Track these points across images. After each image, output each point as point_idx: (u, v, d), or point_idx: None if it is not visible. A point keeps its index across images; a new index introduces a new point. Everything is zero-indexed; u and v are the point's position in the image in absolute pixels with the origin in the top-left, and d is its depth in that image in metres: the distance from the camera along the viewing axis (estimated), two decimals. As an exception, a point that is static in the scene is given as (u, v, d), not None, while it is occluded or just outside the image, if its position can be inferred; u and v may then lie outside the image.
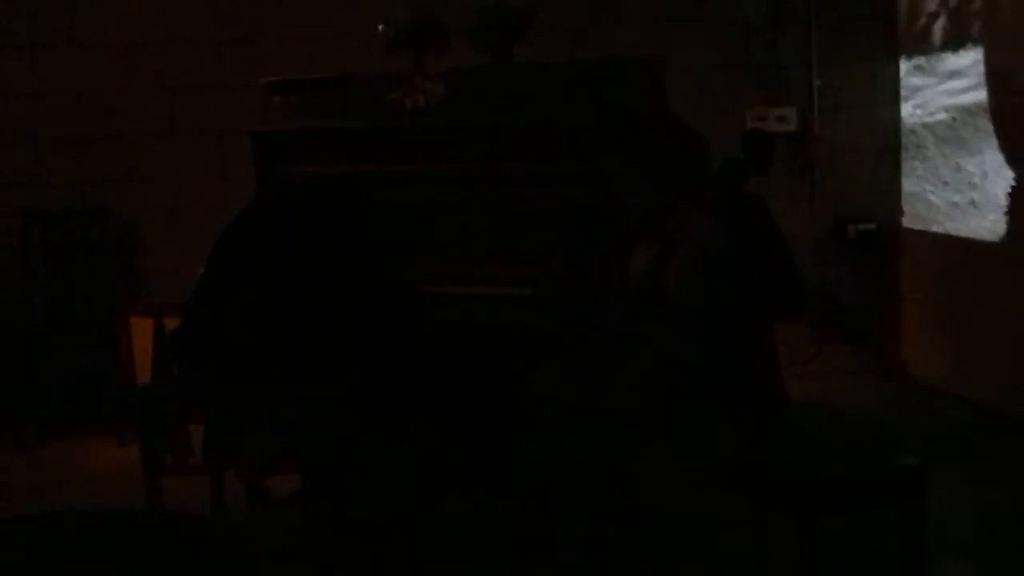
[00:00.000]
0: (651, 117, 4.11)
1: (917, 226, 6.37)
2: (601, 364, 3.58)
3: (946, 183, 6.06)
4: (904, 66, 6.40)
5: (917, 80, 6.30)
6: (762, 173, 4.06)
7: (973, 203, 5.80)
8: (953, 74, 5.94)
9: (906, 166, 6.45)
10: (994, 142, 5.61)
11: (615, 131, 3.88)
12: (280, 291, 3.82)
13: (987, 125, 5.66)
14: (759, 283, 3.35)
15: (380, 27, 4.53)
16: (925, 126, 6.26)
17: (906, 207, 6.47)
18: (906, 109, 6.42)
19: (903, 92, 6.43)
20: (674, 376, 3.32)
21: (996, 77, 5.58)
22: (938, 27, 6.08)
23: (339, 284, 3.93)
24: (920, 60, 6.26)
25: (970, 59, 5.77)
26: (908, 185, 6.44)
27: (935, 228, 6.20)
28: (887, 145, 6.52)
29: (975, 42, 5.73)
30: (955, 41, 5.91)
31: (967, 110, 5.81)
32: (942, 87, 6.06)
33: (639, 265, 3.46)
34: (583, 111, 4.17)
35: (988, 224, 5.68)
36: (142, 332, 5.43)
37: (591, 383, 3.59)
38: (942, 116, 6.08)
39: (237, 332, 3.81)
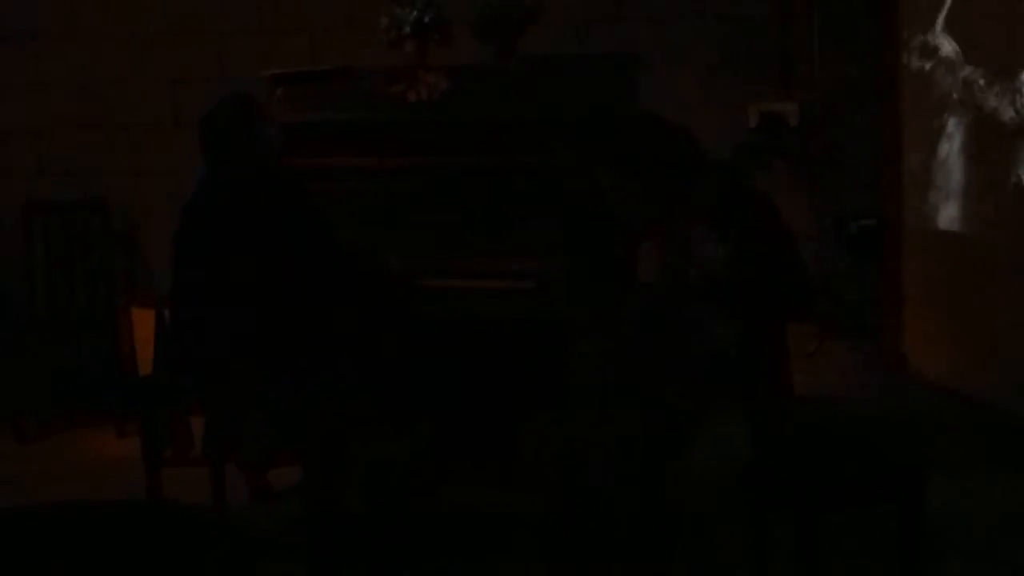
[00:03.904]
0: (643, 113, 4.12)
1: (919, 221, 6.36)
2: (603, 357, 3.58)
3: (949, 178, 6.06)
4: (907, 59, 6.39)
5: (920, 73, 6.29)
6: (782, 155, 4.00)
7: (975, 198, 5.80)
8: (956, 67, 5.93)
9: (908, 161, 6.44)
10: (996, 137, 5.60)
11: (615, 126, 3.87)
12: (274, 283, 3.82)
13: (989, 120, 5.65)
14: (767, 284, 3.34)
15: (383, 20, 4.54)
16: (928, 120, 6.24)
17: (908, 202, 6.45)
18: (909, 103, 6.40)
19: (906, 86, 6.42)
20: (684, 371, 3.32)
21: (993, 71, 5.58)
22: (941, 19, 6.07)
23: (337, 276, 3.93)
24: (923, 52, 6.25)
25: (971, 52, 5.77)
26: (910, 180, 6.43)
27: (937, 224, 6.19)
28: (889, 140, 6.50)
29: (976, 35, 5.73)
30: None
31: (970, 105, 5.81)
32: (945, 81, 6.05)
33: (645, 262, 3.46)
34: (584, 106, 4.18)
35: (990, 219, 5.67)
36: (143, 323, 5.43)
37: (591, 376, 3.59)
38: (945, 111, 6.07)
39: (233, 327, 3.81)
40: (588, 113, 4.16)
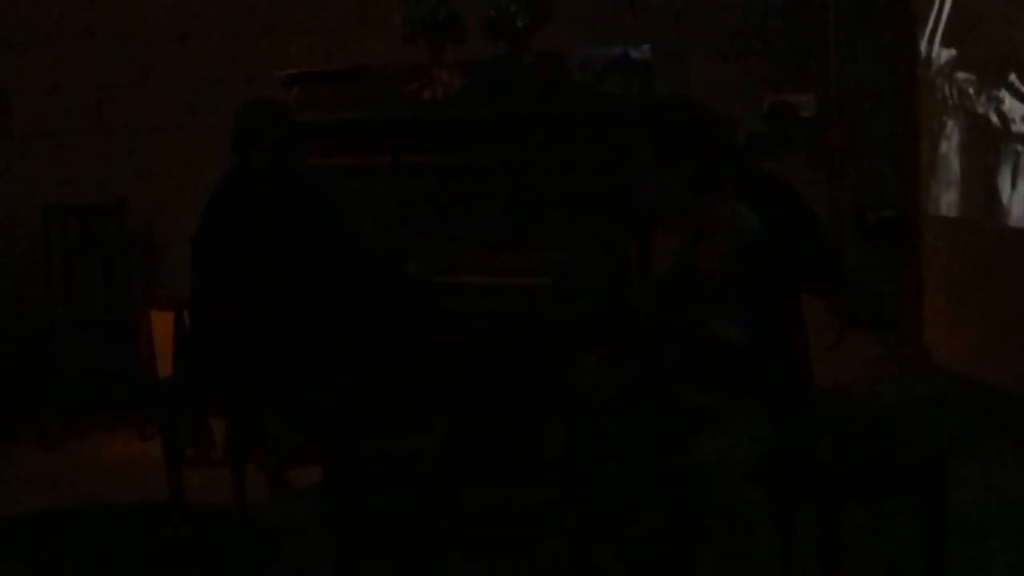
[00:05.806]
0: (672, 104, 4.10)
1: (939, 212, 6.33)
2: (619, 352, 3.57)
3: (967, 168, 6.03)
4: (925, 48, 6.36)
5: (938, 62, 6.26)
6: (790, 147, 3.97)
7: (995, 188, 5.77)
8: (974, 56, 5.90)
9: (926, 151, 6.41)
10: (1016, 126, 5.57)
11: (636, 120, 3.85)
12: (296, 283, 3.82)
13: (1010, 108, 5.62)
14: (796, 264, 3.32)
15: (397, 18, 4.54)
16: (946, 110, 6.21)
17: (927, 193, 6.43)
18: (926, 92, 6.37)
19: (923, 75, 6.39)
20: (703, 363, 3.30)
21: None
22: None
23: (358, 276, 3.94)
24: (941, 41, 6.22)
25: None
26: (929, 170, 6.40)
27: (957, 214, 6.16)
28: (907, 130, 6.47)
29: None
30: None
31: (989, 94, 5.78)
32: (964, 70, 6.03)
33: (669, 252, 3.43)
34: (602, 101, 4.17)
35: (1011, 209, 5.64)
36: (162, 325, 5.45)
37: (607, 371, 3.57)
38: (964, 99, 6.04)
39: (254, 326, 3.82)
40: (602, 108, 4.15)
